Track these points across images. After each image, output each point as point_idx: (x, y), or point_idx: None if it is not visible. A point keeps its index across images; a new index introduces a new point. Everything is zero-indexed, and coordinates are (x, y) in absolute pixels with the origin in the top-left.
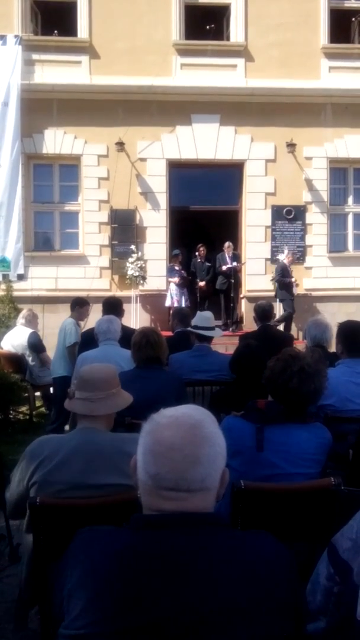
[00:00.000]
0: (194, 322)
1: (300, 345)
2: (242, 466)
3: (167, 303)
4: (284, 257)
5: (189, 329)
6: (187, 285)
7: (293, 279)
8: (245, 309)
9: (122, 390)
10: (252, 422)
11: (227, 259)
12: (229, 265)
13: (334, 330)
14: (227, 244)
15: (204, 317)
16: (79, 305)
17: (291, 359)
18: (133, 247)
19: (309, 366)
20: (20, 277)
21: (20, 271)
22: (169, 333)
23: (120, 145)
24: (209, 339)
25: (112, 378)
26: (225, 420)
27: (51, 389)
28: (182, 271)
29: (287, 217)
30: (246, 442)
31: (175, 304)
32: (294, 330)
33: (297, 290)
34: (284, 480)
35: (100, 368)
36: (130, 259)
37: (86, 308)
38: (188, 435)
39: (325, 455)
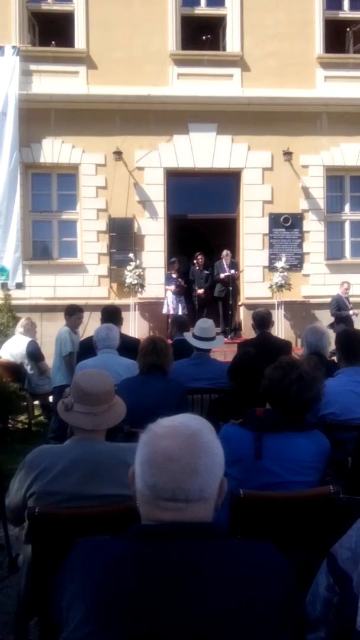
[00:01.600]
0: (194, 331)
1: (299, 352)
2: (240, 474)
3: (164, 311)
4: (338, 289)
5: (188, 335)
6: (184, 292)
7: (351, 312)
8: (243, 316)
9: (117, 397)
10: (250, 430)
11: (225, 266)
12: (227, 273)
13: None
14: (225, 252)
15: (202, 328)
16: (69, 313)
17: (289, 366)
18: (131, 255)
19: (307, 373)
20: (19, 286)
21: (19, 280)
22: (168, 341)
23: (118, 154)
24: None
25: (112, 388)
26: (224, 428)
27: (50, 398)
28: (179, 279)
29: (285, 224)
30: (245, 450)
31: (172, 312)
32: (292, 338)
33: (357, 320)
34: (283, 488)
35: (100, 379)
36: (129, 267)
37: (77, 315)
38: (186, 445)
39: (324, 463)
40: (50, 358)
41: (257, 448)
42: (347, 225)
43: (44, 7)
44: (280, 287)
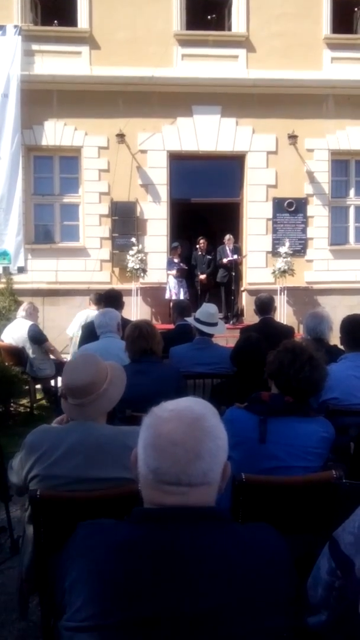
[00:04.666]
0: (197, 314)
1: (299, 338)
2: (243, 458)
3: (167, 296)
4: None
5: (190, 319)
6: (185, 277)
7: None
8: (246, 301)
9: (114, 379)
10: (255, 414)
11: (228, 251)
12: (230, 258)
13: (334, 323)
14: (227, 236)
15: (207, 312)
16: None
17: (297, 349)
18: (134, 239)
19: (315, 354)
20: (21, 270)
21: (21, 264)
22: (171, 326)
23: (121, 137)
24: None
25: (97, 377)
26: (229, 411)
27: (52, 382)
28: (181, 263)
29: (289, 209)
30: (248, 433)
31: (174, 297)
32: (294, 324)
33: None
34: (286, 473)
35: (83, 370)
36: (131, 252)
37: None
38: (190, 429)
39: (328, 449)
40: (53, 341)
41: (262, 432)
42: (351, 211)
43: None
44: (283, 272)
